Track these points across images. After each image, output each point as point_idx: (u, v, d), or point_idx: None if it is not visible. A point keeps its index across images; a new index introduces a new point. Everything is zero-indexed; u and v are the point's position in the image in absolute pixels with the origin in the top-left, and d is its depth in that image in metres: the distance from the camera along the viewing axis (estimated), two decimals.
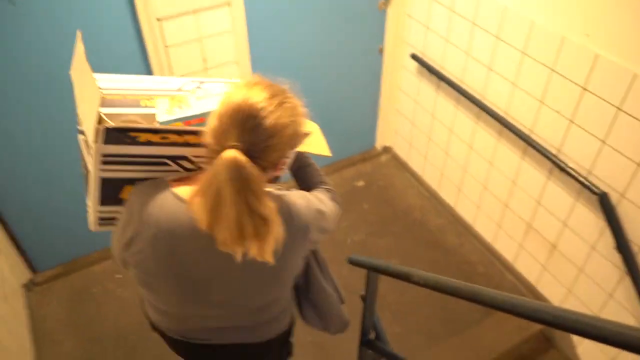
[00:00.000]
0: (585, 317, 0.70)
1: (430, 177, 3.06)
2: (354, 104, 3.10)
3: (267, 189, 0.96)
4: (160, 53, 2.19)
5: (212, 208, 0.89)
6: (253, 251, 0.92)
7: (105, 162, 1.01)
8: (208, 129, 0.93)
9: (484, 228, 2.74)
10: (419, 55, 2.73)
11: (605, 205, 1.91)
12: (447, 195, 2.96)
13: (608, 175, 1.91)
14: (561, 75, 1.96)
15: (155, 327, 1.30)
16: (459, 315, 2.43)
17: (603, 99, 1.83)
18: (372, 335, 1.55)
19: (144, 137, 0.98)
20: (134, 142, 0.98)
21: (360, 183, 3.18)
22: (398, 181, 3.20)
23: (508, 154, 2.38)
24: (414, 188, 3.15)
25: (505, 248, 2.63)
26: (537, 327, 2.37)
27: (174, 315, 1.20)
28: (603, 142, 1.88)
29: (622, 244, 1.89)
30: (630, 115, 1.75)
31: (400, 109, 3.11)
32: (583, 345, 2.27)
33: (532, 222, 2.38)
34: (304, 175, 1.28)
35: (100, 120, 0.95)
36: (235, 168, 0.86)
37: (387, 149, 3.38)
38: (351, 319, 1.44)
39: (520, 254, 2.53)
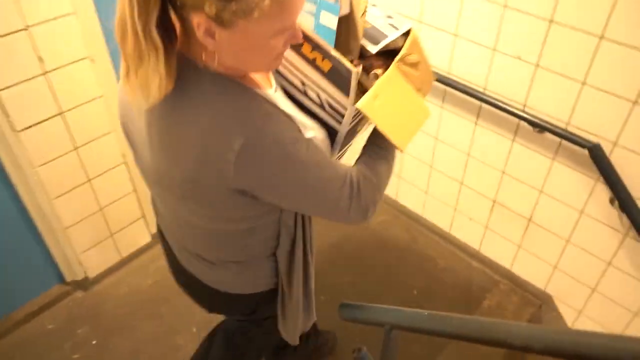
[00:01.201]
0: None
1: None
2: None
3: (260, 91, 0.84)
4: None
5: None
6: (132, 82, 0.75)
7: None
8: None
9: (437, 215, 2.33)
10: None
11: (598, 158, 1.57)
12: None
13: (593, 123, 1.58)
14: (516, 9, 1.59)
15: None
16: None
17: (577, 29, 1.48)
18: None
19: None
20: None
21: None
22: None
23: (457, 120, 1.98)
24: None
25: (467, 233, 2.24)
26: None
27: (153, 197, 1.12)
28: (583, 83, 1.54)
29: (624, 200, 1.57)
30: (616, 42, 1.42)
31: None
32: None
33: (496, 197, 2.01)
34: (362, 152, 1.02)
35: None
36: None
37: None
38: None
39: (486, 237, 2.15)
